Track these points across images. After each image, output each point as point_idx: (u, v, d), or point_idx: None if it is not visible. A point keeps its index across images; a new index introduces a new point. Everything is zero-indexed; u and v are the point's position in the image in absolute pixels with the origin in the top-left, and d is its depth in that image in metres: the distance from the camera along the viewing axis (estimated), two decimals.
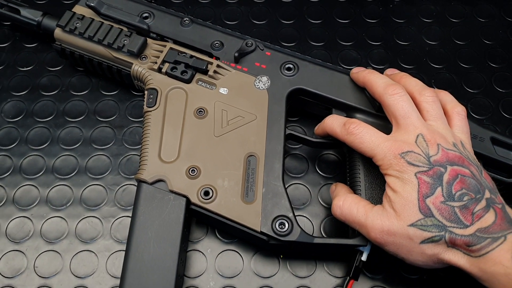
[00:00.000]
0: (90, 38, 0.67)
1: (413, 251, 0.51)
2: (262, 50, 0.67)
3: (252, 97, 0.64)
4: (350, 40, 0.80)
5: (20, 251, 0.63)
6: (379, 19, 0.82)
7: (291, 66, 0.65)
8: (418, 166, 0.52)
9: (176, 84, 0.65)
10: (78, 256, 0.62)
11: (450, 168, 0.52)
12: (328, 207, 0.65)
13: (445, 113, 0.58)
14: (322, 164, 0.68)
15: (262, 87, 0.64)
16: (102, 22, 0.68)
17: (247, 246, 0.63)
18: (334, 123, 0.59)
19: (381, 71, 0.63)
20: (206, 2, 0.84)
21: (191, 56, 0.66)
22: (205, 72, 0.65)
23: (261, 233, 0.56)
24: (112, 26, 0.68)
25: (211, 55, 0.67)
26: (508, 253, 0.47)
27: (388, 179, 0.54)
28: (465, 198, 0.50)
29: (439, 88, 0.72)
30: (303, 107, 0.69)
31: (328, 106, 0.65)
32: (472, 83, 0.76)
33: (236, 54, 0.66)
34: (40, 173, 0.68)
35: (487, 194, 0.51)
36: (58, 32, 0.69)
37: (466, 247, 0.49)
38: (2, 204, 0.66)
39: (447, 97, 0.60)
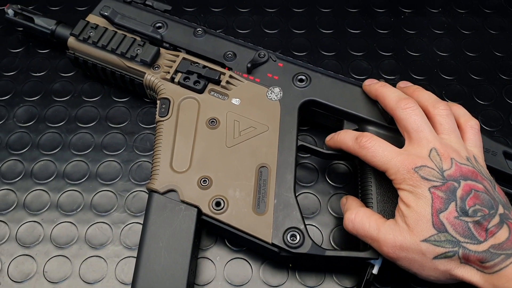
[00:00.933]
0: (103, 47, 0.67)
1: (425, 266, 0.51)
2: (275, 61, 0.67)
3: (264, 108, 0.64)
4: (361, 50, 0.80)
5: (30, 256, 0.63)
6: (391, 30, 0.82)
7: (303, 77, 0.65)
8: (431, 180, 0.52)
9: (189, 94, 0.65)
10: (88, 262, 0.62)
11: (463, 183, 0.52)
12: (337, 216, 0.65)
13: (458, 126, 0.58)
14: (332, 173, 0.68)
15: (274, 98, 0.64)
16: (116, 32, 0.68)
17: (256, 254, 0.63)
18: (346, 137, 0.59)
19: (393, 82, 0.63)
20: (218, 10, 0.84)
21: (204, 67, 0.66)
22: (217, 82, 0.65)
23: (273, 244, 0.56)
24: (125, 35, 0.68)
25: (223, 66, 0.67)
26: None
27: (401, 194, 0.54)
28: (479, 214, 0.50)
29: (449, 99, 0.72)
30: (314, 119, 0.69)
31: (340, 118, 0.65)
32: (483, 95, 0.76)
33: (249, 65, 0.66)
34: (51, 178, 0.68)
35: (501, 210, 0.51)
36: (71, 41, 0.70)
37: (480, 264, 0.49)
38: (13, 209, 0.66)
39: (461, 111, 0.60)
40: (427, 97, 0.59)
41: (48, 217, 0.65)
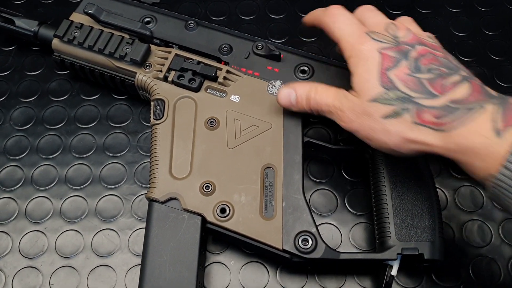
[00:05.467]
0: (90, 48, 0.64)
1: (376, 128, 0.49)
2: None
3: (265, 103, 0.61)
4: None
5: (35, 268, 0.61)
6: (404, 10, 0.79)
7: (305, 68, 0.63)
8: (382, 42, 0.50)
9: (184, 93, 0.62)
10: (96, 272, 0.61)
11: (419, 47, 0.50)
12: (356, 214, 0.62)
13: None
14: (348, 167, 0.65)
15: (276, 93, 0.61)
16: (102, 30, 0.65)
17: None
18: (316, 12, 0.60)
19: None
20: None
21: (199, 62, 0.63)
22: (214, 79, 0.62)
23: (284, 251, 0.54)
24: (112, 33, 0.65)
25: (219, 60, 0.64)
26: (487, 123, 0.44)
27: (349, 63, 0.52)
28: (435, 72, 0.48)
29: None
30: None
31: None
32: (505, 76, 0.72)
33: (247, 58, 0.63)
34: (53, 184, 0.66)
35: (463, 72, 0.48)
36: (56, 43, 0.66)
37: (435, 121, 0.46)
38: (14, 218, 0.64)
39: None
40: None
41: (52, 225, 0.63)
